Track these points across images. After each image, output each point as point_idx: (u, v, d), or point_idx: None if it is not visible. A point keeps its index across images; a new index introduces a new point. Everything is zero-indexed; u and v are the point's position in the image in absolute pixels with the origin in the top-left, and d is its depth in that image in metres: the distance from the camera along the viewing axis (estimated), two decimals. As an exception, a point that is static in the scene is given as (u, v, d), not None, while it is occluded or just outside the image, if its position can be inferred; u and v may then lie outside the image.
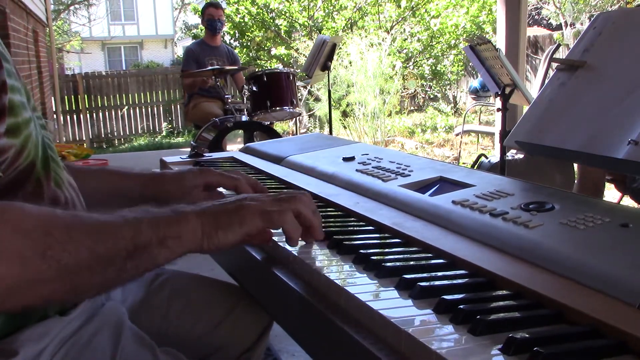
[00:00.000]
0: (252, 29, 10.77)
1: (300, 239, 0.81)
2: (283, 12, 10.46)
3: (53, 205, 0.77)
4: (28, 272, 0.60)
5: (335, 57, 4.94)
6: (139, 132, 10.54)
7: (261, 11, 10.52)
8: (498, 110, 3.39)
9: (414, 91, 10.94)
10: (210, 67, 4.51)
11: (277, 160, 1.43)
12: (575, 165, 3.35)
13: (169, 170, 1.12)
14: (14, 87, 0.71)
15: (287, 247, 0.82)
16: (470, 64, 9.02)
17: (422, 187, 1.04)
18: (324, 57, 4.66)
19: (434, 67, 10.79)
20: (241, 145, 1.84)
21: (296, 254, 0.79)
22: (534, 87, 6.30)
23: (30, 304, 0.65)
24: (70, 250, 0.62)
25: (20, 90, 0.74)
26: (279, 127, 8.32)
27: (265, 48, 10.98)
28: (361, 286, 0.68)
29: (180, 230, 0.71)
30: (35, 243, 0.61)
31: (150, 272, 0.72)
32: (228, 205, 0.77)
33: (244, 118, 4.34)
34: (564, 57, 1.14)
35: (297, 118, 5.49)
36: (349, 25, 10.36)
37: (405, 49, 10.24)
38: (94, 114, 10.34)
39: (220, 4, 5.24)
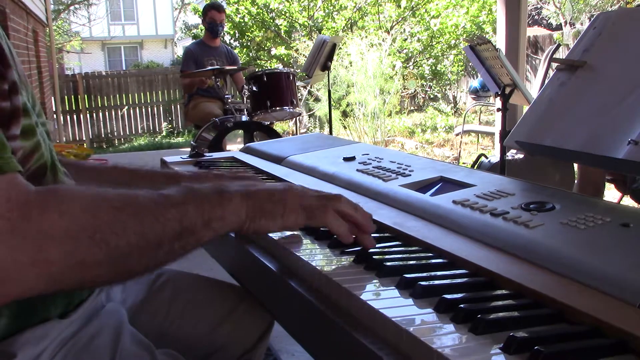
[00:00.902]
0: (252, 29, 10.77)
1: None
2: (283, 12, 10.46)
3: None
4: (77, 254, 0.60)
5: (335, 57, 4.93)
6: (139, 132, 10.54)
7: (261, 11, 10.52)
8: (498, 110, 3.39)
9: (414, 91, 10.94)
10: (209, 67, 4.51)
11: (278, 160, 1.43)
12: (575, 165, 3.35)
13: (183, 170, 1.12)
14: (22, 92, 0.71)
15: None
16: (470, 64, 9.02)
17: (422, 187, 1.04)
18: (324, 57, 4.66)
19: (434, 67, 10.79)
20: (241, 145, 1.85)
21: (296, 254, 0.79)
22: (534, 87, 6.30)
23: (78, 286, 0.66)
24: (118, 233, 0.63)
25: (26, 95, 0.74)
26: (279, 127, 8.32)
27: (265, 48, 10.98)
28: (362, 285, 0.68)
29: (224, 211, 0.72)
30: (84, 225, 0.61)
31: (194, 250, 0.72)
32: (274, 193, 0.78)
33: (244, 118, 4.34)
34: (564, 57, 1.14)
35: (297, 118, 5.49)
36: (349, 25, 10.36)
37: (405, 49, 10.24)
38: (94, 114, 10.34)
39: (222, 7, 5.23)
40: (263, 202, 0.76)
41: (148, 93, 10.70)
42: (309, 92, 8.76)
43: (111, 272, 0.64)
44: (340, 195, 0.83)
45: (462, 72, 11.25)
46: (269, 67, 9.18)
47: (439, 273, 0.72)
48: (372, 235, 0.87)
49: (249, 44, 10.98)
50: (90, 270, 0.62)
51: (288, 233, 0.89)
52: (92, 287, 0.71)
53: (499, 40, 4.98)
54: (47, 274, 0.59)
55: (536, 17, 16.85)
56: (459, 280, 0.69)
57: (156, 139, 10.08)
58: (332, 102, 5.27)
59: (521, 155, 3.56)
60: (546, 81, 1.18)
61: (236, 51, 8.23)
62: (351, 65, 8.00)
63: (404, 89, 10.07)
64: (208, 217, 0.71)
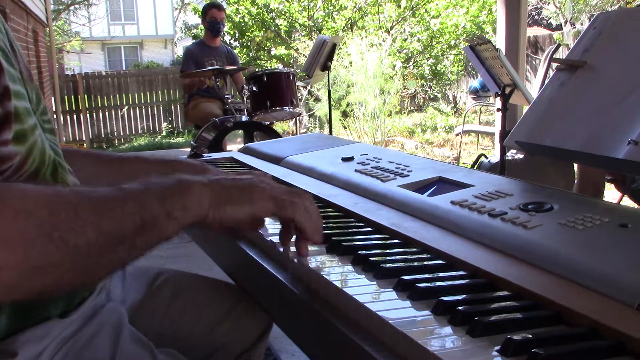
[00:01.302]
0: (252, 29, 10.77)
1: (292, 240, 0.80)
2: (283, 12, 10.46)
3: None
4: (34, 256, 0.56)
5: (335, 57, 4.93)
6: (139, 132, 10.54)
7: (261, 11, 10.52)
8: (498, 110, 3.38)
9: (414, 91, 10.94)
10: (209, 67, 4.51)
11: (276, 160, 1.43)
12: (575, 165, 3.35)
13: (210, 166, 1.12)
14: (19, 92, 0.70)
15: (283, 247, 0.81)
16: (470, 64, 9.02)
17: (421, 187, 1.04)
18: (324, 57, 4.66)
19: (434, 67, 10.79)
20: (241, 145, 1.84)
21: (295, 255, 0.79)
22: (534, 87, 6.30)
23: (39, 291, 0.61)
24: (77, 230, 0.59)
25: (25, 96, 0.73)
26: (279, 127, 8.32)
27: (265, 48, 10.98)
28: (360, 287, 0.68)
29: (185, 200, 0.69)
30: (40, 224, 0.57)
31: (158, 245, 0.69)
32: (240, 181, 0.76)
33: (244, 118, 4.34)
34: (564, 57, 1.14)
35: (297, 118, 5.49)
36: (349, 25, 10.37)
37: (405, 49, 10.24)
38: (94, 114, 10.34)
39: (222, 6, 5.23)
40: (228, 189, 0.73)
41: (148, 93, 10.71)
42: (309, 92, 8.76)
43: (71, 274, 0.60)
44: (308, 192, 0.81)
45: (462, 72, 11.25)
46: (269, 67, 9.19)
47: (436, 275, 0.71)
48: (371, 235, 0.87)
49: (249, 44, 10.98)
50: (49, 273, 0.58)
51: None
52: (52, 292, 0.65)
53: (499, 40, 4.98)
54: (6, 281, 0.55)
55: (536, 17, 16.85)
56: (456, 282, 0.68)
57: (156, 139, 10.08)
58: (332, 102, 5.27)
59: (521, 155, 3.55)
60: (546, 81, 1.17)
61: (236, 51, 8.23)
62: (351, 65, 8.00)
63: (404, 89, 10.07)
64: (170, 208, 0.67)
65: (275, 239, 0.85)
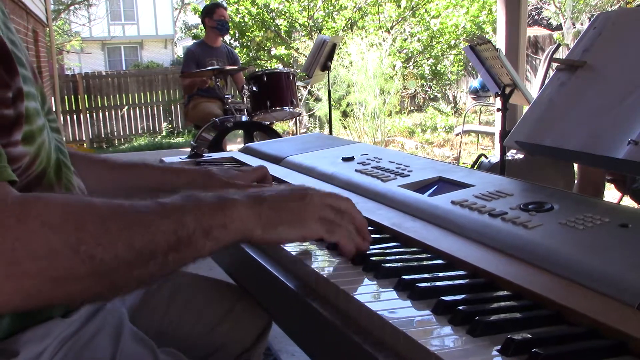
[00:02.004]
0: (252, 29, 10.77)
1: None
2: (283, 12, 10.46)
3: None
4: (56, 268, 0.56)
5: (335, 57, 4.93)
6: (139, 132, 10.54)
7: (261, 11, 10.51)
8: (498, 110, 3.38)
9: (414, 91, 10.94)
10: (210, 67, 4.51)
11: (277, 160, 1.43)
12: (575, 165, 3.35)
13: (215, 171, 1.11)
14: (29, 93, 0.71)
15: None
16: (470, 64, 9.02)
17: (421, 187, 1.04)
18: (324, 57, 4.65)
19: (434, 67, 10.79)
20: (241, 145, 1.84)
21: (295, 255, 0.79)
22: (534, 87, 6.30)
23: (64, 300, 0.61)
24: (105, 245, 0.58)
25: (35, 96, 0.73)
26: (279, 127, 8.32)
27: (265, 48, 10.98)
28: (360, 287, 0.68)
29: (226, 219, 0.67)
30: (67, 237, 0.57)
31: (193, 263, 0.68)
32: (290, 202, 0.74)
33: (244, 118, 4.34)
34: (564, 57, 1.14)
35: (297, 118, 5.49)
36: (349, 25, 10.36)
37: (405, 49, 10.24)
38: (94, 114, 10.34)
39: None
40: (278, 209, 0.72)
41: (148, 93, 10.70)
42: (309, 92, 8.76)
43: (97, 287, 0.60)
44: (356, 211, 0.80)
45: (462, 72, 11.25)
46: (269, 67, 9.18)
47: (437, 274, 0.71)
48: (372, 235, 0.87)
49: (249, 44, 10.98)
50: (73, 285, 0.58)
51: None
52: (76, 303, 0.66)
53: (499, 40, 4.98)
54: (23, 288, 0.55)
55: (536, 17, 16.85)
56: (457, 282, 0.68)
57: (156, 139, 10.08)
58: (332, 102, 5.27)
59: (521, 155, 3.55)
60: (546, 81, 1.17)
61: (236, 51, 8.23)
62: (351, 65, 8.00)
63: (404, 89, 10.07)
64: (208, 226, 0.66)
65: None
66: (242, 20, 10.55)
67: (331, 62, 4.70)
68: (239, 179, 1.10)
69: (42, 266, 0.55)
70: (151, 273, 0.63)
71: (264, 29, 10.80)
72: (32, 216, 0.56)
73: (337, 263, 0.76)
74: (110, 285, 0.61)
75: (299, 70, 5.27)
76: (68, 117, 10.12)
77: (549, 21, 16.44)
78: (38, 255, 0.55)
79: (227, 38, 10.61)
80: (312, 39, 9.24)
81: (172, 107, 10.68)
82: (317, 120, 9.42)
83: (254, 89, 4.32)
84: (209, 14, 5.00)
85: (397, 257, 0.77)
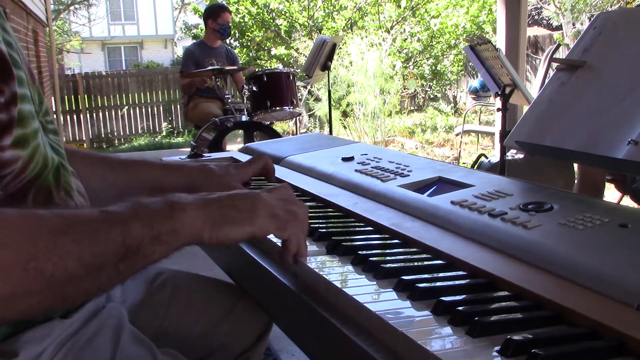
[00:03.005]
0: (252, 29, 10.77)
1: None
2: (283, 12, 10.46)
3: None
4: (10, 286, 0.55)
5: (335, 57, 4.93)
6: (139, 132, 10.54)
7: (261, 11, 10.51)
8: (498, 110, 3.38)
9: (414, 91, 10.94)
10: (209, 68, 4.51)
11: (277, 160, 1.43)
12: (575, 165, 3.35)
13: (209, 163, 1.12)
14: (25, 96, 0.70)
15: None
16: (470, 64, 9.02)
17: (421, 187, 1.04)
18: (324, 57, 4.65)
19: (434, 67, 10.78)
20: (241, 145, 1.84)
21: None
22: (534, 87, 6.30)
23: (16, 317, 0.61)
24: (55, 261, 0.58)
25: (29, 99, 0.73)
26: (279, 127, 8.32)
27: (265, 48, 10.98)
28: (359, 287, 0.67)
29: (176, 224, 0.67)
30: (17, 255, 0.56)
31: (145, 269, 0.68)
32: (239, 200, 0.74)
33: (244, 118, 4.34)
34: (564, 57, 1.14)
35: (297, 118, 5.49)
36: (349, 25, 10.36)
37: (405, 49, 10.24)
38: (94, 114, 10.34)
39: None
40: (225, 209, 0.72)
41: (148, 93, 10.70)
42: (309, 92, 8.76)
43: (47, 301, 0.59)
44: (304, 210, 0.80)
45: (462, 72, 11.25)
46: (269, 67, 9.18)
47: (436, 275, 0.71)
48: (371, 236, 0.87)
49: (249, 44, 10.98)
50: (25, 301, 0.57)
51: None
52: (29, 317, 0.65)
53: (499, 40, 4.98)
54: None
55: (536, 17, 16.85)
56: (456, 282, 0.68)
57: (156, 139, 10.08)
58: (332, 102, 5.27)
59: (521, 155, 3.55)
60: (546, 81, 1.17)
61: (236, 51, 8.22)
62: (351, 65, 8.00)
63: (404, 89, 10.07)
64: (157, 232, 0.66)
65: (275, 239, 0.85)
66: (242, 20, 10.55)
67: (331, 62, 4.70)
68: (237, 176, 1.10)
69: None
70: (102, 284, 0.64)
71: (264, 29, 10.79)
72: None
73: (337, 263, 0.76)
74: (61, 298, 0.61)
75: (299, 70, 5.27)
76: (68, 117, 10.12)
77: (549, 21, 16.43)
78: None
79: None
80: (312, 39, 9.24)
81: (172, 107, 10.68)
82: (317, 120, 9.42)
83: (254, 89, 4.32)
84: (214, 16, 4.95)
85: (397, 257, 0.77)
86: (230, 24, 5.00)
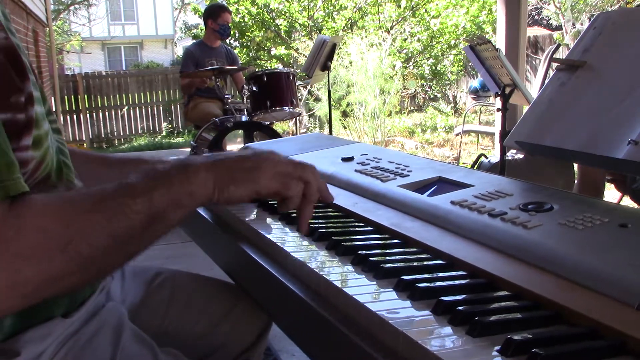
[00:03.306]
0: (252, 29, 10.77)
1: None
2: (283, 12, 10.46)
3: None
4: (54, 269, 0.60)
5: (335, 57, 4.93)
6: (139, 132, 10.54)
7: (261, 11, 10.51)
8: (498, 110, 3.39)
9: (414, 91, 10.94)
10: (209, 67, 4.51)
11: (276, 160, 1.43)
12: (575, 165, 3.35)
13: None
14: (37, 98, 0.72)
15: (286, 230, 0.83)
16: (470, 64, 9.02)
17: (420, 187, 1.04)
18: (324, 57, 4.66)
19: (434, 67, 10.79)
20: (241, 145, 1.84)
21: (294, 255, 0.79)
22: (534, 87, 6.30)
23: (60, 294, 0.66)
24: (90, 241, 0.62)
25: (40, 100, 0.74)
26: (279, 127, 8.32)
27: (265, 48, 10.98)
28: (360, 287, 0.67)
29: (192, 186, 0.71)
30: (56, 239, 0.60)
31: (166, 234, 0.71)
32: (245, 161, 0.77)
33: (244, 118, 4.34)
34: (564, 57, 1.14)
35: (297, 118, 5.49)
36: (349, 25, 10.36)
37: (405, 49, 10.24)
38: (94, 114, 10.34)
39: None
40: (232, 170, 0.74)
41: (148, 93, 10.70)
42: (309, 92, 8.76)
43: (83, 278, 0.64)
44: (313, 166, 0.83)
45: (462, 72, 11.25)
46: (269, 67, 9.18)
47: (436, 274, 0.71)
48: (371, 235, 0.87)
49: (249, 44, 10.98)
50: (63, 281, 0.62)
51: (289, 232, 0.88)
52: (64, 295, 0.71)
53: (499, 40, 4.98)
54: (24, 293, 0.59)
55: (536, 17, 16.85)
56: (456, 282, 0.68)
57: (156, 139, 10.08)
58: (332, 102, 5.27)
59: (521, 155, 3.55)
60: (546, 81, 1.17)
61: (236, 51, 8.22)
62: (351, 65, 8.00)
63: (404, 89, 10.07)
64: (177, 197, 0.69)
65: (275, 239, 0.85)
66: (242, 20, 10.55)
67: (331, 62, 4.71)
68: None
69: (39, 270, 0.59)
70: (129, 254, 0.68)
71: (264, 29, 10.80)
72: (27, 224, 0.59)
73: (337, 263, 0.76)
74: (96, 273, 0.66)
75: (299, 70, 5.27)
76: (68, 117, 10.13)
77: (549, 21, 16.43)
78: (35, 261, 0.59)
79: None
80: (312, 39, 9.24)
81: (172, 107, 10.68)
82: (317, 120, 9.42)
83: (254, 89, 4.32)
84: (214, 16, 4.94)
85: (397, 257, 0.77)
86: (230, 25, 4.99)
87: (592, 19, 1.14)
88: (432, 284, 0.66)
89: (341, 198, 1.06)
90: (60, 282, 0.61)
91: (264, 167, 0.77)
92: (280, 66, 9.64)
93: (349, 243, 0.81)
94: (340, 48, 7.73)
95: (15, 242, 0.58)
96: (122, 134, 10.47)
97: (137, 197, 0.67)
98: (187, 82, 4.82)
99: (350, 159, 1.29)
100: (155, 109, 10.70)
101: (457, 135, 7.10)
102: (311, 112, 9.22)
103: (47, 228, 0.60)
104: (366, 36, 8.72)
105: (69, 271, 0.61)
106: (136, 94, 10.62)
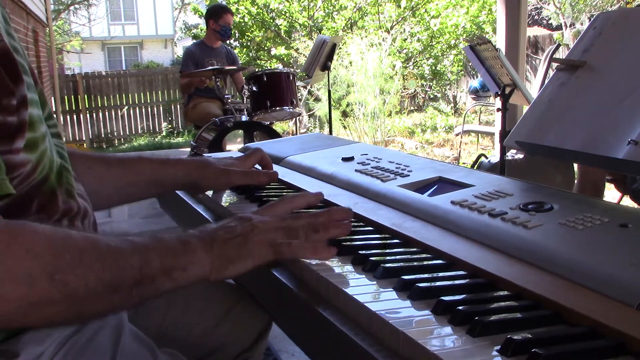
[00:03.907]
0: (252, 29, 10.77)
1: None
2: (283, 12, 10.46)
3: (66, 216, 0.77)
4: (34, 294, 0.59)
5: (335, 57, 4.93)
6: (139, 132, 10.54)
7: (261, 11, 10.51)
8: (498, 110, 3.39)
9: (414, 91, 10.94)
10: (209, 68, 4.51)
11: (277, 160, 1.43)
12: (575, 165, 3.35)
13: (211, 159, 1.14)
14: (33, 100, 0.72)
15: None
16: (470, 64, 9.01)
17: (421, 187, 1.04)
18: (324, 57, 4.65)
19: (434, 67, 10.78)
20: (241, 145, 1.84)
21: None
22: (534, 87, 6.30)
23: (32, 324, 0.65)
24: (79, 275, 0.62)
25: (38, 103, 0.74)
26: (279, 127, 8.32)
27: (265, 48, 10.98)
28: (360, 287, 0.68)
29: (187, 262, 0.71)
30: (45, 265, 0.60)
31: (151, 300, 0.71)
32: (236, 236, 0.76)
33: (244, 118, 4.34)
34: (564, 57, 1.14)
35: (297, 118, 5.49)
36: (349, 25, 10.36)
37: (405, 49, 10.24)
38: (94, 114, 10.34)
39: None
40: (226, 248, 0.74)
41: (148, 93, 10.70)
42: (309, 92, 8.75)
43: (64, 314, 0.63)
44: (302, 220, 0.80)
45: (462, 72, 11.25)
46: (269, 67, 9.18)
47: (437, 274, 0.71)
48: (371, 235, 0.87)
49: (249, 44, 10.98)
50: (45, 311, 0.61)
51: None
52: (41, 327, 0.70)
53: (499, 40, 4.98)
54: (2, 312, 0.58)
55: (536, 17, 16.85)
56: (457, 282, 0.68)
57: (156, 139, 10.08)
58: (332, 102, 5.27)
59: (521, 155, 3.55)
60: (546, 81, 1.17)
61: (236, 51, 8.22)
62: (351, 65, 8.00)
63: (404, 89, 10.07)
64: (170, 267, 0.69)
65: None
66: (242, 20, 10.55)
67: (331, 62, 4.70)
68: (235, 167, 1.11)
69: (21, 291, 0.59)
70: (115, 305, 0.68)
71: (264, 29, 10.79)
72: (18, 243, 0.59)
73: (338, 263, 0.76)
74: (77, 313, 0.65)
75: (299, 70, 5.27)
76: (68, 117, 10.12)
77: (549, 21, 16.43)
78: (19, 281, 0.58)
79: (226, 39, 10.62)
80: (312, 39, 9.24)
81: (172, 107, 10.68)
82: (317, 120, 9.42)
83: (254, 89, 4.32)
84: (215, 16, 4.94)
85: (397, 257, 0.77)
86: (231, 27, 4.99)
87: (592, 19, 1.14)
88: (433, 284, 0.66)
89: (341, 198, 1.06)
90: (41, 309, 0.61)
91: (254, 238, 0.76)
92: (280, 66, 9.64)
93: (349, 243, 0.81)
94: (340, 48, 7.73)
95: (3, 258, 0.58)
96: (122, 134, 10.46)
97: (134, 252, 0.67)
98: (186, 81, 4.82)
99: (351, 158, 1.29)
100: (155, 109, 10.70)
101: (457, 135, 7.10)
102: (311, 112, 9.22)
103: (37, 253, 0.60)
104: (366, 36, 8.72)
105: (51, 300, 0.60)
106: (136, 94, 10.61)
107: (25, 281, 0.59)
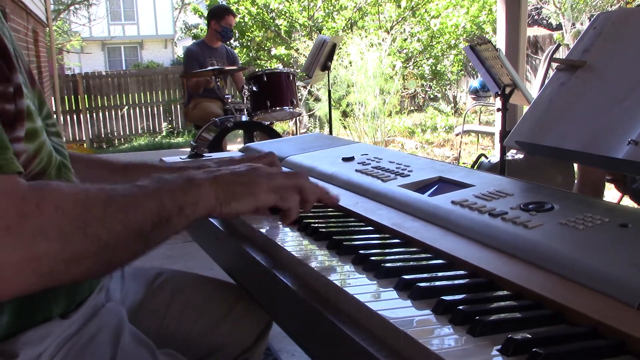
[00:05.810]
0: (252, 29, 10.77)
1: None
2: (283, 12, 10.46)
3: None
4: (70, 250, 0.61)
5: (335, 57, 4.93)
6: (139, 132, 10.54)
7: (261, 11, 10.51)
8: (498, 110, 3.39)
9: (414, 91, 10.94)
10: (210, 68, 4.51)
11: (277, 160, 1.43)
12: (575, 165, 3.35)
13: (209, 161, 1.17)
14: (26, 94, 0.71)
15: (285, 248, 0.82)
16: (470, 64, 9.02)
17: (421, 187, 1.04)
18: (324, 57, 4.66)
19: (434, 67, 10.78)
20: (241, 145, 1.84)
21: (295, 254, 0.79)
22: (534, 87, 6.30)
23: (70, 280, 0.67)
24: (107, 226, 0.64)
25: (32, 98, 0.74)
26: (279, 127, 8.32)
27: (265, 48, 10.98)
28: (360, 287, 0.67)
29: (195, 198, 0.74)
30: (76, 220, 0.62)
31: (168, 239, 0.74)
32: (241, 176, 0.80)
33: (244, 118, 4.34)
34: (564, 57, 1.14)
35: (297, 118, 5.49)
36: (349, 25, 10.36)
37: (405, 49, 10.24)
38: (94, 114, 10.34)
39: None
40: (232, 185, 0.78)
41: (148, 93, 10.70)
42: (309, 92, 8.76)
43: (98, 265, 0.65)
44: (304, 173, 0.87)
45: (462, 72, 11.25)
46: (269, 67, 9.18)
47: (437, 274, 0.71)
48: (372, 235, 0.87)
49: (249, 44, 10.98)
50: (80, 264, 0.63)
51: (288, 232, 0.89)
52: (79, 280, 0.74)
53: (499, 40, 4.98)
54: (41, 270, 0.60)
55: (536, 17, 16.85)
56: (457, 282, 0.68)
57: (156, 139, 10.08)
58: (332, 102, 5.28)
59: (521, 155, 3.56)
60: (546, 81, 1.17)
61: (236, 51, 8.22)
62: (351, 65, 8.00)
63: (404, 89, 10.07)
64: (182, 204, 0.72)
65: (276, 239, 0.85)
66: (242, 20, 10.55)
67: (331, 62, 4.71)
68: None
69: (56, 248, 0.60)
70: (138, 250, 0.70)
71: (264, 29, 10.79)
72: (47, 202, 0.61)
73: (338, 263, 0.76)
74: (108, 262, 0.67)
75: (299, 70, 5.28)
76: (68, 117, 10.12)
77: (549, 21, 16.44)
78: (53, 238, 0.60)
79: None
80: (312, 39, 9.24)
81: (172, 107, 10.68)
82: (317, 120, 9.42)
83: (254, 89, 4.32)
84: (217, 17, 4.94)
85: (398, 256, 0.77)
86: (233, 29, 4.99)
87: (592, 19, 1.14)
88: (433, 284, 0.66)
89: (342, 198, 1.06)
90: (78, 263, 0.62)
91: (260, 181, 0.80)
92: (280, 66, 9.64)
93: (350, 243, 0.81)
94: (340, 48, 7.73)
95: (36, 217, 0.59)
96: (122, 134, 10.46)
97: (149, 198, 0.70)
98: (194, 82, 4.80)
99: (351, 158, 1.29)
100: (155, 109, 10.70)
101: (457, 135, 7.10)
102: (311, 112, 9.22)
103: (66, 208, 0.62)
104: (366, 36, 8.72)
105: (86, 253, 0.62)
106: (136, 94, 10.61)
107: (58, 238, 0.60)
